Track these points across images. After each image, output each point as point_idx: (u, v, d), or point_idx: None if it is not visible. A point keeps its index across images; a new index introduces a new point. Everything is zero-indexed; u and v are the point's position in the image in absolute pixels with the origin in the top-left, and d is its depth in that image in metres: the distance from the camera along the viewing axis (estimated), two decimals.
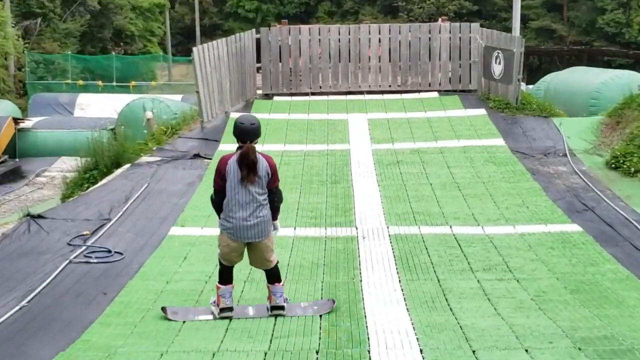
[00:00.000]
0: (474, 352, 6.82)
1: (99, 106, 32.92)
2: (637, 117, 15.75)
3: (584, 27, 56.45)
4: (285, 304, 7.74)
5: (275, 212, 7.67)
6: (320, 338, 7.16)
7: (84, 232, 10.69)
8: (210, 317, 7.73)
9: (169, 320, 7.70)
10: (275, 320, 7.63)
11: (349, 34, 20.01)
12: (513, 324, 7.45)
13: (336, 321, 7.56)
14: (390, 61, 20.04)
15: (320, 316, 7.68)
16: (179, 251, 9.98)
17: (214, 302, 7.75)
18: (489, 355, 6.75)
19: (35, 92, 39.01)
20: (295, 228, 10.85)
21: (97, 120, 26.70)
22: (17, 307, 8.07)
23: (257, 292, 8.29)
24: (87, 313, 7.95)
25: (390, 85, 20.16)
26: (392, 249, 9.96)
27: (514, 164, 14.00)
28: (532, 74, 39.68)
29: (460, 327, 7.40)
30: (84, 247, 10.03)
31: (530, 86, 27.35)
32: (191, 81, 24.33)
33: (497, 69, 18.32)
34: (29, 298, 8.33)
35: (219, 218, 7.62)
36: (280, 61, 20.09)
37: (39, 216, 11.32)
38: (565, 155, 14.61)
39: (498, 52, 18.26)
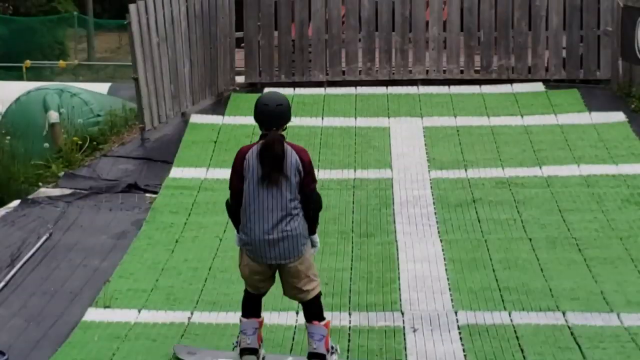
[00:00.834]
0: None
1: None
2: None
3: None
4: (326, 354, 6.92)
5: (311, 224, 7.01)
6: None
7: None
8: None
9: None
10: None
11: None
12: None
13: None
14: (462, 30, 15.95)
15: None
16: (99, 351, 7.90)
17: (237, 342, 7.17)
18: None
19: None
20: (298, 312, 8.15)
21: None
22: None
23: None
24: None
25: (462, 72, 15.94)
26: (464, 351, 7.57)
27: None
28: None
29: None
30: None
31: None
32: (125, 61, 22.41)
33: None
34: None
35: (237, 232, 7.12)
36: (276, 29, 15.99)
37: None
38: None
39: None
